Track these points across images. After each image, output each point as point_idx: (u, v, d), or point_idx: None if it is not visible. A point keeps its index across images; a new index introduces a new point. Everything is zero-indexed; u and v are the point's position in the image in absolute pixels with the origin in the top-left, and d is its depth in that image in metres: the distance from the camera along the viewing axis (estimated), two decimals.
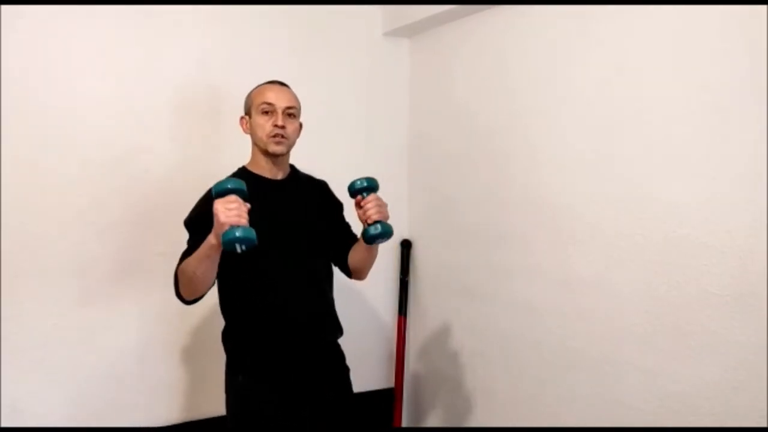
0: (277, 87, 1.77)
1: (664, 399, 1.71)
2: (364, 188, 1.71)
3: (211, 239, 1.52)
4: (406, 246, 2.76)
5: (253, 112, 1.75)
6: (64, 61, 2.12)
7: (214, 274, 1.66)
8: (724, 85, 1.56)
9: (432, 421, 2.69)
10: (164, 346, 2.33)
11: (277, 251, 1.72)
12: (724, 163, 1.56)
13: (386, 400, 2.72)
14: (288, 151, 1.79)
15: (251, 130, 1.78)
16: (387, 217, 1.71)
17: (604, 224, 1.88)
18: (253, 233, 1.45)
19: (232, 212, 1.45)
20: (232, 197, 1.48)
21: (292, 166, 1.88)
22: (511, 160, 2.23)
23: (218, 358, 2.39)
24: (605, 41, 1.87)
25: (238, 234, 1.42)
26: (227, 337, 1.83)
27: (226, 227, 1.44)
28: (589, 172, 1.93)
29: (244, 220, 1.45)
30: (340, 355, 1.90)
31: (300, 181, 1.89)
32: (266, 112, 1.73)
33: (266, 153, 1.75)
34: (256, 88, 1.80)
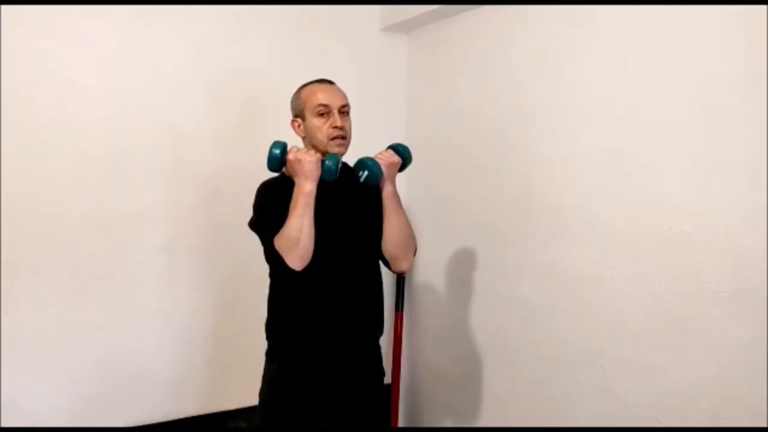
0: (327, 86, 1.76)
1: (661, 395, 1.71)
2: (398, 152, 1.79)
3: (306, 187, 1.61)
4: None
5: (308, 115, 1.74)
6: (63, 57, 2.12)
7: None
8: (722, 81, 1.56)
9: (428, 417, 2.69)
10: (161, 342, 2.33)
11: (329, 250, 1.70)
12: (721, 159, 1.56)
13: (383, 396, 2.72)
14: (347, 151, 1.78)
15: (308, 133, 1.75)
16: (387, 165, 1.73)
17: (601, 220, 1.88)
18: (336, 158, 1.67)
19: (311, 154, 1.62)
20: (294, 148, 1.66)
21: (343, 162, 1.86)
22: (508, 157, 2.23)
23: (215, 354, 2.40)
24: (602, 39, 1.87)
25: (330, 162, 1.64)
26: (270, 327, 1.81)
27: (319, 163, 1.63)
28: (586, 168, 1.93)
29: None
30: (378, 357, 1.88)
31: (352, 176, 1.84)
32: (322, 114, 1.72)
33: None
34: (304, 88, 1.77)
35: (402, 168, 1.82)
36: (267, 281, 1.86)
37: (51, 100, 2.09)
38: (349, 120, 1.77)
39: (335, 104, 1.73)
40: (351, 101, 2.62)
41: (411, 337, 2.79)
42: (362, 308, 1.80)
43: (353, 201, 1.79)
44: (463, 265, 2.47)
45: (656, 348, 1.72)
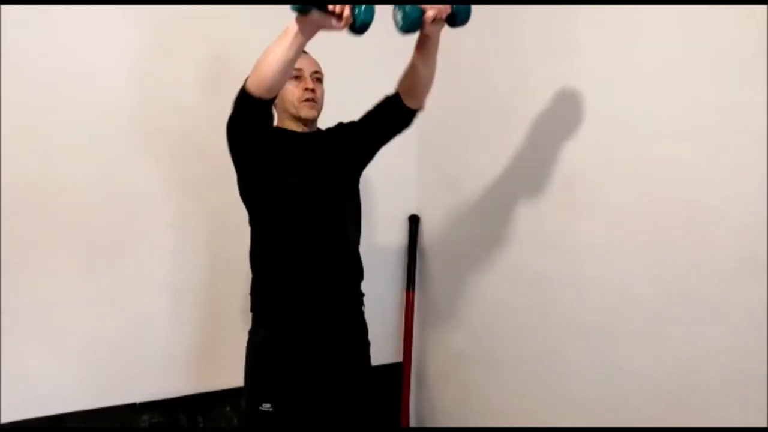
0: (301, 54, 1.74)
1: (672, 365, 1.71)
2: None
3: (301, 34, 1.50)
4: (414, 221, 2.76)
5: None
6: (73, 37, 2.13)
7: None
8: (733, 48, 1.54)
9: (439, 395, 2.70)
10: (171, 317, 2.34)
11: (306, 199, 1.73)
12: (732, 127, 1.54)
13: (394, 375, 2.74)
14: (318, 116, 1.81)
15: (280, 97, 1.76)
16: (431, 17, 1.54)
17: (610, 190, 1.87)
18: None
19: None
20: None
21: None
22: (516, 131, 2.21)
23: (226, 330, 2.41)
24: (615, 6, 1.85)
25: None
26: (255, 289, 1.83)
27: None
28: (594, 138, 1.92)
29: None
30: (363, 328, 1.91)
31: (325, 135, 1.89)
32: (295, 77, 1.75)
33: (297, 118, 1.77)
34: None
35: (453, 23, 1.51)
36: None
37: (61, 74, 2.11)
38: (321, 88, 1.81)
39: (308, 69, 1.77)
40: (360, 78, 2.62)
41: (422, 313, 2.79)
42: (342, 261, 1.82)
43: (326, 148, 1.81)
44: (473, 240, 2.47)
45: (667, 318, 1.71)
